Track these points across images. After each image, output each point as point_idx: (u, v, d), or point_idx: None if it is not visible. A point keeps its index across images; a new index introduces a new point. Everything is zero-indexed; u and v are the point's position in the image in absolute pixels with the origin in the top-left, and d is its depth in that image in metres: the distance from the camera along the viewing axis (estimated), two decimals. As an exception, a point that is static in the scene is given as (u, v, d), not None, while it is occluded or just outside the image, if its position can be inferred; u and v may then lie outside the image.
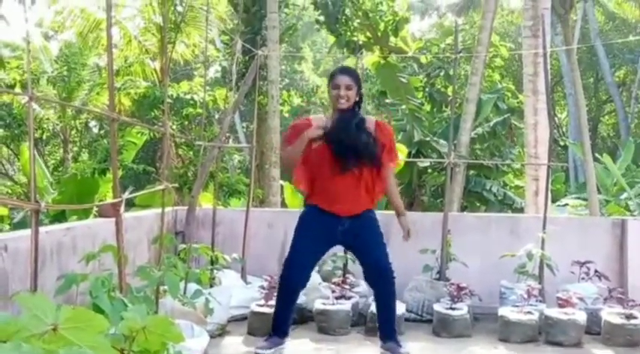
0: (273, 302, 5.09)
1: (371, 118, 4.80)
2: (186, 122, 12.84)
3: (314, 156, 4.45)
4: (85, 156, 16.24)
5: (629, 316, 5.01)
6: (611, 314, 5.07)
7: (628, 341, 4.90)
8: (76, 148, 16.87)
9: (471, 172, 13.83)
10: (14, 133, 14.52)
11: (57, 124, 15.30)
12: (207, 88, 13.03)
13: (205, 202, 10.91)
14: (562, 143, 24.29)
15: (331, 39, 15.76)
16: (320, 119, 4.60)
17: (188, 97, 12.72)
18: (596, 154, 15.48)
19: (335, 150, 4.38)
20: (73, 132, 16.26)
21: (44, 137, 15.71)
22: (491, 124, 14.05)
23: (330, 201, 4.46)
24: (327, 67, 29.56)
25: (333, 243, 4.68)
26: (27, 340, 1.53)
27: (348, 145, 4.38)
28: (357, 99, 4.53)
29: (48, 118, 14.88)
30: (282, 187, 12.79)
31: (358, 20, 14.73)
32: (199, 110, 12.19)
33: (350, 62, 17.72)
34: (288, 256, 4.57)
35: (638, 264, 5.92)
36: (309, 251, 4.56)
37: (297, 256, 4.52)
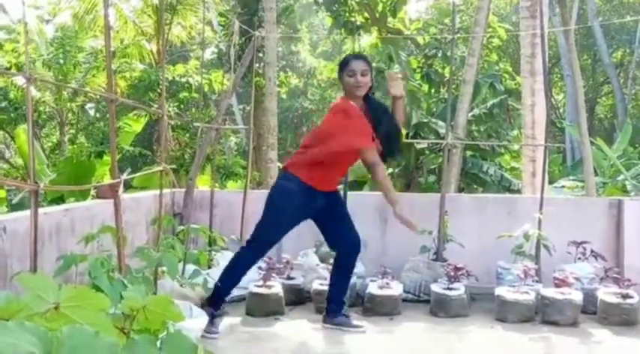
0: (271, 283, 5.14)
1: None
2: (182, 105, 12.82)
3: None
4: (82, 138, 16.20)
5: (625, 296, 5.04)
6: (607, 294, 5.11)
7: (624, 320, 4.94)
8: (72, 131, 16.84)
9: (468, 153, 13.84)
10: (10, 117, 14.46)
11: (53, 107, 15.26)
12: (204, 70, 13.00)
13: (202, 184, 10.92)
14: (558, 125, 24.28)
15: (329, 21, 15.69)
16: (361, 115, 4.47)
17: (183, 80, 12.69)
18: (592, 136, 15.47)
19: (384, 147, 4.49)
20: (70, 115, 16.21)
21: (40, 120, 15.66)
22: (488, 105, 14.04)
23: (327, 183, 4.57)
24: (325, 49, 29.46)
25: (304, 220, 4.71)
26: (29, 318, 1.54)
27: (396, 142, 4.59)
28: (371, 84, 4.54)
29: (44, 101, 14.82)
30: (279, 169, 12.80)
31: (357, 0, 14.66)
32: (194, 94, 12.17)
33: (348, 43, 17.66)
34: (265, 234, 4.56)
35: (635, 244, 5.95)
36: (284, 232, 4.66)
37: (274, 238, 4.67)
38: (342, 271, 4.78)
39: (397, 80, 4.55)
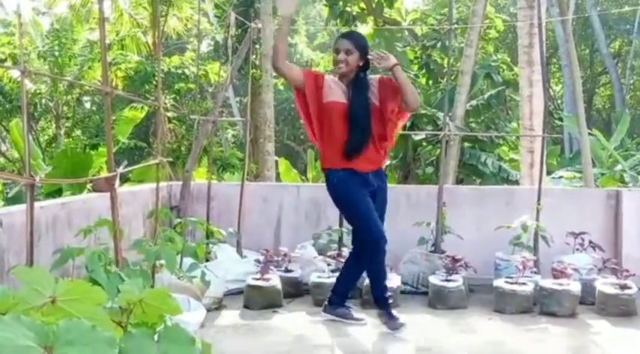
0: (269, 275, 5.13)
1: (374, 78, 4.72)
2: (178, 97, 12.79)
3: (333, 116, 4.51)
4: (78, 132, 16.15)
5: (623, 287, 5.04)
6: (605, 284, 5.11)
7: (622, 311, 4.94)
8: (68, 124, 16.79)
9: (466, 145, 13.83)
10: (5, 109, 14.42)
11: (49, 100, 15.21)
12: (200, 62, 12.95)
13: (199, 177, 10.89)
14: (556, 116, 24.27)
15: (325, 12, 15.64)
16: (333, 81, 4.58)
17: (179, 71, 12.64)
18: (590, 127, 15.43)
19: (351, 131, 4.48)
20: (66, 108, 16.16)
21: (36, 113, 15.61)
22: (486, 96, 14.01)
23: (351, 163, 4.50)
24: (323, 41, 29.37)
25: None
26: (25, 312, 1.53)
27: (363, 130, 4.48)
28: (362, 64, 4.54)
29: (40, 93, 14.77)
30: (276, 162, 12.79)
31: (353, -11, 14.61)
32: (191, 85, 12.13)
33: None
34: (361, 219, 4.51)
35: (633, 234, 5.96)
36: (370, 205, 4.54)
37: (369, 213, 4.48)
38: (354, 261, 4.72)
39: (378, 55, 4.51)
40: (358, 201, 4.49)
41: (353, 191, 4.49)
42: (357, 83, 4.54)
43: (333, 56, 4.65)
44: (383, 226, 4.52)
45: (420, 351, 4.15)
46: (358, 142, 4.48)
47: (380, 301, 4.62)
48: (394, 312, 4.61)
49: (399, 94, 4.46)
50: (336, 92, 4.53)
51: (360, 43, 4.57)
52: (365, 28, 14.77)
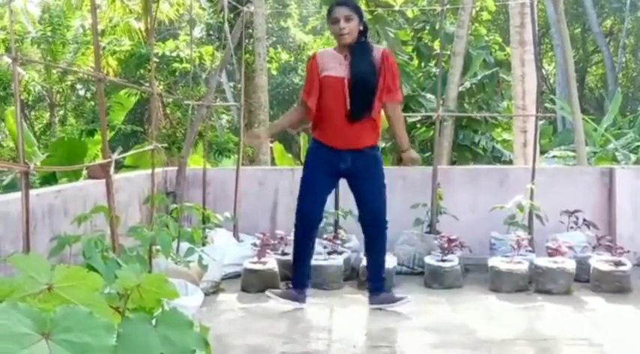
0: (265, 259, 5.16)
1: (379, 47, 4.70)
2: (173, 82, 12.71)
3: (328, 91, 4.42)
4: (72, 120, 16.08)
5: (617, 263, 5.08)
6: (599, 262, 5.14)
7: (616, 287, 4.98)
8: (62, 112, 16.71)
9: (460, 126, 13.81)
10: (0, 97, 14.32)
11: (43, 87, 15.12)
12: (193, 46, 12.86)
13: (194, 163, 10.86)
14: (547, 98, 24.24)
15: (317, -4, 15.55)
16: (328, 54, 4.54)
17: (174, 54, 12.56)
18: (583, 106, 15.43)
19: (353, 96, 4.36)
20: (60, 96, 16.07)
21: (30, 101, 15.53)
22: (479, 77, 13.98)
23: (331, 136, 4.47)
24: (315, 24, 29.24)
25: (337, 177, 4.70)
26: (22, 299, 1.54)
27: (366, 92, 4.38)
28: (362, 29, 4.43)
29: (33, 80, 14.67)
30: (271, 147, 12.76)
31: (344, -27, 14.48)
32: (185, 65, 12.05)
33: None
34: (299, 191, 4.63)
35: (626, 212, 5.99)
36: (317, 183, 4.58)
37: (307, 188, 4.59)
38: (367, 245, 4.70)
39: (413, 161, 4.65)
40: (307, 174, 4.71)
41: (310, 166, 4.70)
42: (358, 48, 4.41)
43: (331, 28, 4.44)
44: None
45: (416, 330, 4.18)
46: (359, 110, 4.40)
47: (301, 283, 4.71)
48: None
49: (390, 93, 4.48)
50: (332, 66, 4.43)
51: (357, 7, 4.47)
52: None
